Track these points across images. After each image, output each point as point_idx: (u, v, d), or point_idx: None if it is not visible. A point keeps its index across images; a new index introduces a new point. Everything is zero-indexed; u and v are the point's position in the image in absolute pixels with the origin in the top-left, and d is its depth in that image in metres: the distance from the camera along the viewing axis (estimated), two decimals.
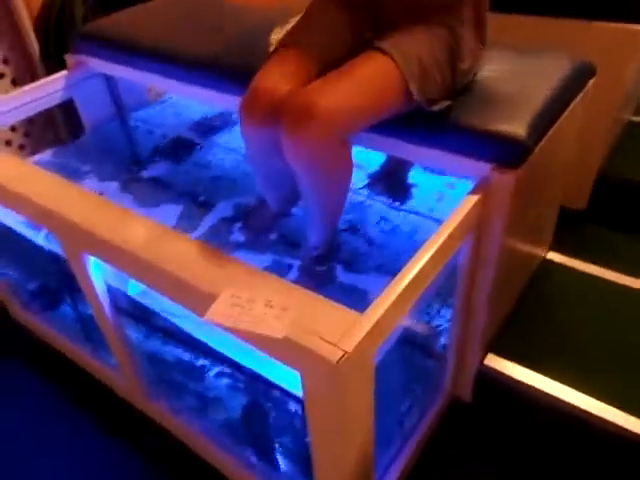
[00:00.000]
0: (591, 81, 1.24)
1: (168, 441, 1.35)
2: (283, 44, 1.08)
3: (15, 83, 2.06)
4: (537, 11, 1.60)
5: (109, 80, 1.84)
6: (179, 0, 1.79)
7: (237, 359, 1.08)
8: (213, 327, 0.76)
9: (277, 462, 1.20)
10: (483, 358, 1.30)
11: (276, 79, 1.02)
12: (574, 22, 1.55)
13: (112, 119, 1.93)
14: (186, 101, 2.04)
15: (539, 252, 1.55)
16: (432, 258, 0.87)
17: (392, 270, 1.26)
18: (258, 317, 0.75)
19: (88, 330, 1.49)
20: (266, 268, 1.33)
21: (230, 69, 1.35)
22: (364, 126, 1.00)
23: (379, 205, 1.49)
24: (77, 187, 1.13)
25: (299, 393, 0.82)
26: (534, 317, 1.40)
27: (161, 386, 1.36)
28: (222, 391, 1.26)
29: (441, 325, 1.25)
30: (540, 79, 1.14)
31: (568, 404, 1.21)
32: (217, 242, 1.41)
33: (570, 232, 1.68)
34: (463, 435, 1.31)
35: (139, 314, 1.29)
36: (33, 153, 2.18)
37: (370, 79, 0.97)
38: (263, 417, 1.21)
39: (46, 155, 1.81)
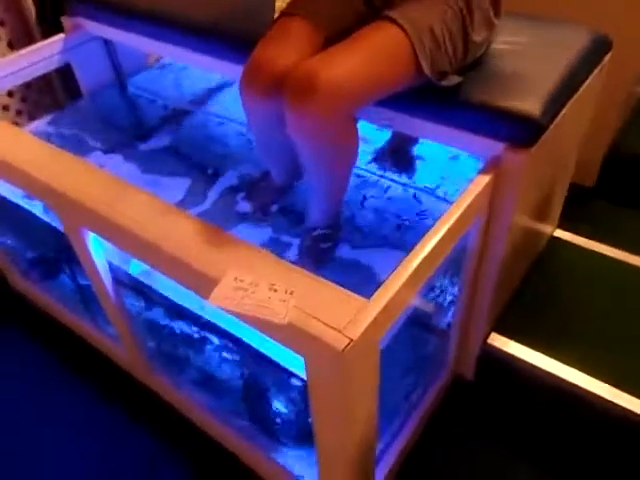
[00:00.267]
0: (608, 55, 1.19)
1: (169, 412, 1.35)
2: (287, 12, 1.03)
3: (11, 46, 2.00)
4: None
5: (107, 44, 1.78)
6: None
7: (240, 336, 1.07)
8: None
9: (278, 435, 1.20)
10: (487, 337, 1.29)
11: (279, 49, 0.98)
12: None
13: (111, 84, 1.88)
14: (187, 65, 1.98)
15: (547, 230, 1.53)
16: (441, 240, 0.84)
17: (397, 246, 1.26)
18: (262, 301, 0.73)
19: (87, 301, 1.48)
20: (267, 242, 1.30)
21: (231, 36, 1.30)
22: (371, 101, 0.96)
23: (383, 180, 1.45)
24: (77, 160, 1.09)
25: (303, 375, 0.80)
26: (539, 296, 1.39)
27: (162, 359, 1.35)
28: (223, 364, 1.25)
29: (445, 301, 1.24)
30: (555, 53, 1.10)
31: (570, 384, 1.20)
32: (221, 215, 1.38)
33: (578, 209, 1.65)
34: (465, 413, 1.31)
35: (140, 289, 1.28)
36: (31, 118, 2.14)
37: (379, 51, 0.93)
38: (264, 391, 1.21)
39: (43, 122, 1.77)
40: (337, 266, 1.22)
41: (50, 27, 1.94)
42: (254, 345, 1.03)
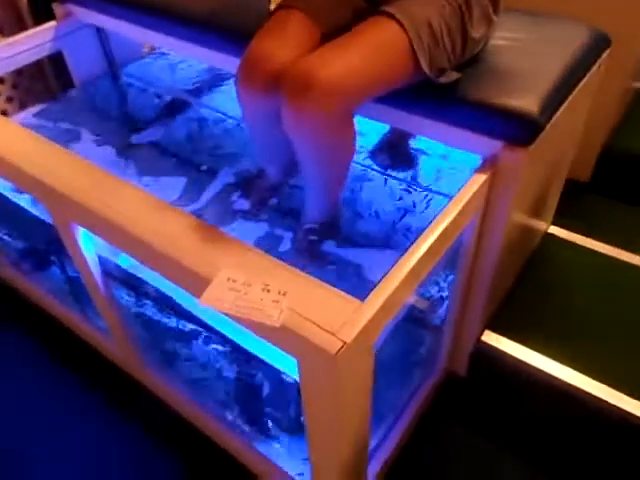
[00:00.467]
0: (606, 53, 1.18)
1: (160, 406, 1.34)
2: (285, 5, 1.01)
3: (2, 32, 1.97)
4: None
5: (100, 32, 1.75)
6: None
7: (232, 334, 1.06)
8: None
9: (270, 431, 1.20)
10: (481, 334, 1.29)
11: (276, 44, 0.96)
12: None
13: (103, 73, 1.85)
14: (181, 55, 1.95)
15: (542, 226, 1.52)
16: (437, 240, 0.83)
17: (393, 244, 1.25)
18: (254, 302, 0.72)
19: (78, 293, 1.47)
20: (262, 238, 1.29)
21: (226, 27, 1.27)
22: (369, 98, 0.95)
23: (380, 175, 1.44)
24: (68, 153, 1.07)
25: (295, 375, 0.80)
26: (533, 294, 1.38)
27: (152, 352, 1.34)
28: (214, 358, 1.24)
29: (439, 297, 1.23)
30: (553, 50, 1.08)
31: (563, 382, 1.20)
32: (217, 211, 1.36)
33: (572, 204, 1.64)
34: (458, 410, 1.31)
35: (131, 282, 1.26)
36: (22, 105, 2.10)
37: (377, 47, 0.91)
38: (256, 386, 1.20)
39: (34, 112, 1.74)
40: (332, 264, 1.21)
41: (42, 14, 1.91)
42: (245, 345, 1.03)
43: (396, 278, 0.77)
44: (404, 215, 1.32)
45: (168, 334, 1.30)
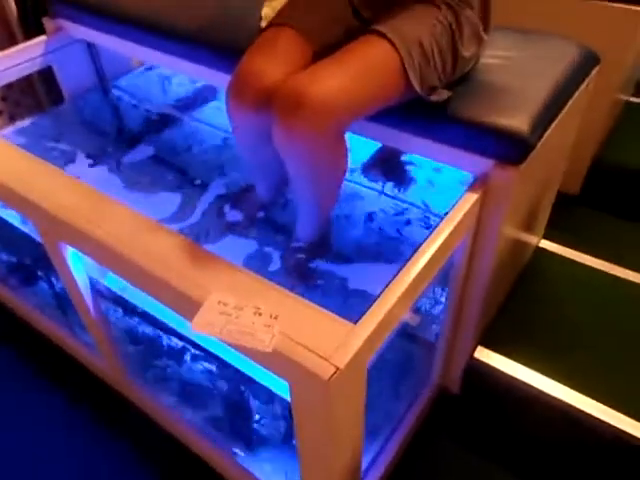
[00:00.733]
0: (595, 70, 1.19)
1: (147, 423, 1.33)
2: (276, 22, 1.01)
3: None
4: None
5: (90, 46, 1.74)
6: None
7: (223, 355, 1.05)
8: None
9: (257, 447, 1.19)
10: (473, 350, 1.28)
11: (267, 62, 0.95)
12: (576, 0, 1.49)
13: (93, 87, 1.84)
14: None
15: (533, 241, 1.53)
16: (429, 261, 0.83)
17: (386, 260, 1.25)
18: (246, 327, 0.71)
19: (65, 309, 1.45)
20: (251, 256, 1.28)
21: (216, 43, 1.27)
22: (361, 116, 0.95)
23: (371, 191, 1.44)
24: (57, 171, 1.06)
25: (287, 397, 0.79)
26: (525, 309, 1.38)
27: (140, 369, 1.33)
28: (203, 375, 1.23)
29: (431, 313, 1.23)
30: (543, 68, 1.09)
31: (556, 398, 1.20)
32: (208, 227, 1.36)
33: (562, 217, 1.65)
34: (451, 426, 1.30)
35: (121, 301, 1.25)
36: (11, 118, 2.09)
37: (368, 66, 0.91)
38: (245, 404, 1.19)
39: (22, 126, 1.72)
40: (322, 282, 1.20)
41: (32, 28, 1.90)
42: (236, 364, 1.02)
43: (388, 300, 0.76)
44: (396, 231, 1.32)
45: (156, 351, 1.29)
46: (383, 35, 0.92)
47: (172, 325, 1.15)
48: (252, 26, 1.23)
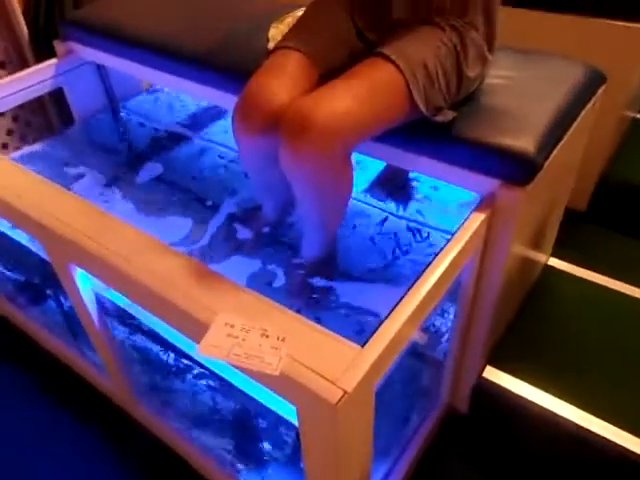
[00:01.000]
0: (601, 89, 1.19)
1: (156, 441, 1.33)
2: (283, 46, 1.02)
3: (3, 67, 1.99)
4: (544, 6, 1.55)
5: (100, 68, 1.77)
6: None
7: (228, 377, 1.05)
8: None
9: (265, 470, 1.18)
10: (482, 370, 1.27)
11: (273, 85, 0.96)
12: (580, 19, 1.50)
13: (104, 109, 1.86)
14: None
15: (541, 259, 1.52)
16: (437, 282, 0.83)
17: (391, 281, 1.24)
18: (253, 349, 0.71)
19: (73, 328, 1.45)
20: (256, 274, 1.28)
21: (223, 65, 1.29)
22: (366, 138, 0.95)
23: (377, 210, 1.44)
24: (67, 193, 1.07)
25: (294, 421, 0.79)
26: (534, 328, 1.37)
27: (148, 391, 1.33)
28: (209, 397, 1.23)
29: (439, 332, 1.22)
30: (549, 88, 1.09)
31: (565, 419, 1.19)
32: (218, 245, 1.36)
33: (570, 234, 1.64)
34: (459, 447, 1.29)
35: (129, 321, 1.25)
36: (22, 138, 2.12)
37: (373, 89, 0.92)
38: (252, 428, 1.19)
39: (33, 147, 1.74)
40: (328, 302, 1.20)
41: (43, 50, 1.94)
42: (242, 387, 1.01)
43: (396, 322, 0.76)
44: (402, 250, 1.32)
45: (164, 371, 1.29)
46: (388, 58, 0.93)
47: (180, 346, 1.15)
48: (259, 48, 1.25)
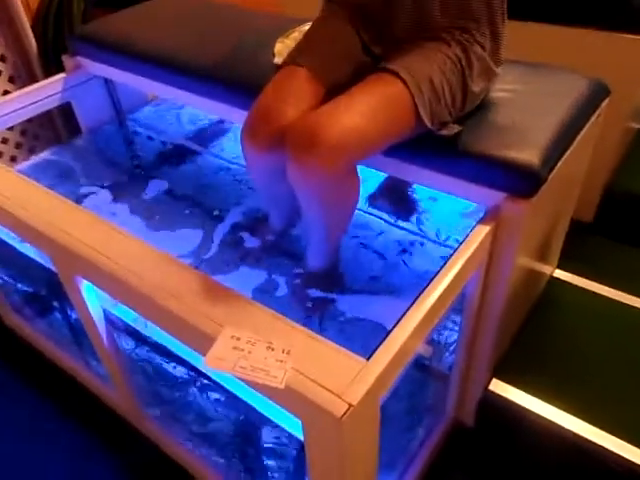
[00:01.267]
0: (605, 102, 1.19)
1: (161, 454, 1.33)
2: (289, 63, 1.03)
3: (12, 81, 2.02)
4: (549, 19, 1.56)
5: (107, 82, 1.79)
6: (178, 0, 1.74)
7: (234, 389, 1.05)
8: None
9: None
10: (488, 383, 1.27)
11: (281, 102, 0.98)
12: (585, 32, 1.51)
13: (111, 122, 1.88)
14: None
15: (547, 271, 1.52)
16: (442, 295, 0.83)
17: (395, 293, 1.24)
18: (258, 362, 0.71)
19: (80, 339, 1.46)
20: (261, 285, 1.28)
21: (230, 79, 1.30)
22: (372, 153, 0.96)
23: (380, 221, 1.44)
24: (73, 206, 1.08)
25: (299, 435, 0.79)
26: (540, 341, 1.37)
27: (154, 404, 1.33)
28: (215, 410, 1.23)
29: (444, 345, 1.22)
30: (553, 101, 1.10)
31: (572, 432, 1.18)
32: (225, 256, 1.37)
33: (576, 245, 1.64)
34: (465, 461, 1.28)
35: (136, 334, 1.26)
36: (30, 151, 2.14)
37: (379, 104, 0.92)
38: (256, 440, 1.18)
39: (40, 159, 1.76)
40: (332, 313, 1.20)
41: (52, 65, 1.96)
42: (248, 400, 1.01)
43: (401, 335, 0.76)
44: (406, 262, 1.32)
45: (169, 382, 1.29)
46: (394, 73, 0.94)
47: (186, 357, 1.15)
48: (265, 62, 1.27)
